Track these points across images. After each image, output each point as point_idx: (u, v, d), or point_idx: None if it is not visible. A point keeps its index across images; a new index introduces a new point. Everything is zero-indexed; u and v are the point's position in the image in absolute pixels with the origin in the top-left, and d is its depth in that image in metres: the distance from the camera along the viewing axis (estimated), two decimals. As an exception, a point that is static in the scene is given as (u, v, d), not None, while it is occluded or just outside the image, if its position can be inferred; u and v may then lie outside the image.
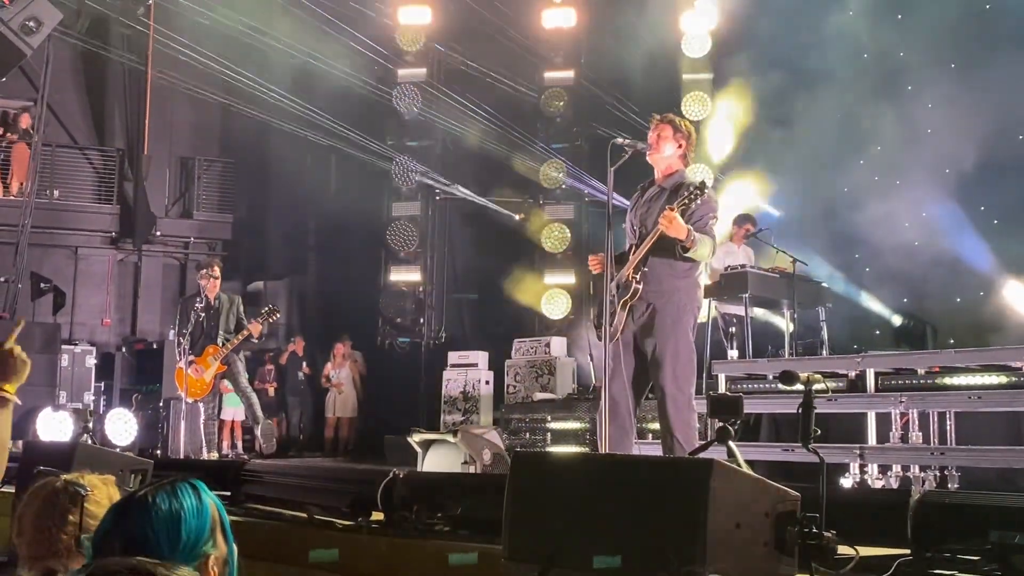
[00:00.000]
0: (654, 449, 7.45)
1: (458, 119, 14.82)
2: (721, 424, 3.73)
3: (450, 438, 6.99)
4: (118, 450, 10.86)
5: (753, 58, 11.87)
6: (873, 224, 11.06)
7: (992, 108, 10.24)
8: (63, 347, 14.10)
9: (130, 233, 17.30)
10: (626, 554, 2.96)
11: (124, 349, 15.78)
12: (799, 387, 3.39)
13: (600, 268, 5.67)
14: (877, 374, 6.97)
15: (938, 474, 6.42)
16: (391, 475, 5.36)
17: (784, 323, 9.64)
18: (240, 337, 9.82)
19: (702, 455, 3.73)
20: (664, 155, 5.82)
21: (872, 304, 11.18)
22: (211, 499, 2.20)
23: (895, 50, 11.44)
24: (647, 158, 5.88)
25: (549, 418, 9.76)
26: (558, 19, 13.87)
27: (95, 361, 14.35)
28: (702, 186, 5.52)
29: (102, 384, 14.62)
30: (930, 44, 10.92)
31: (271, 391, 15.34)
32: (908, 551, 3.43)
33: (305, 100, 16.18)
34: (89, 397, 13.89)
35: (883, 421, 6.80)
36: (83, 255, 17.32)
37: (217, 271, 10.25)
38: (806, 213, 11.67)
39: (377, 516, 5.48)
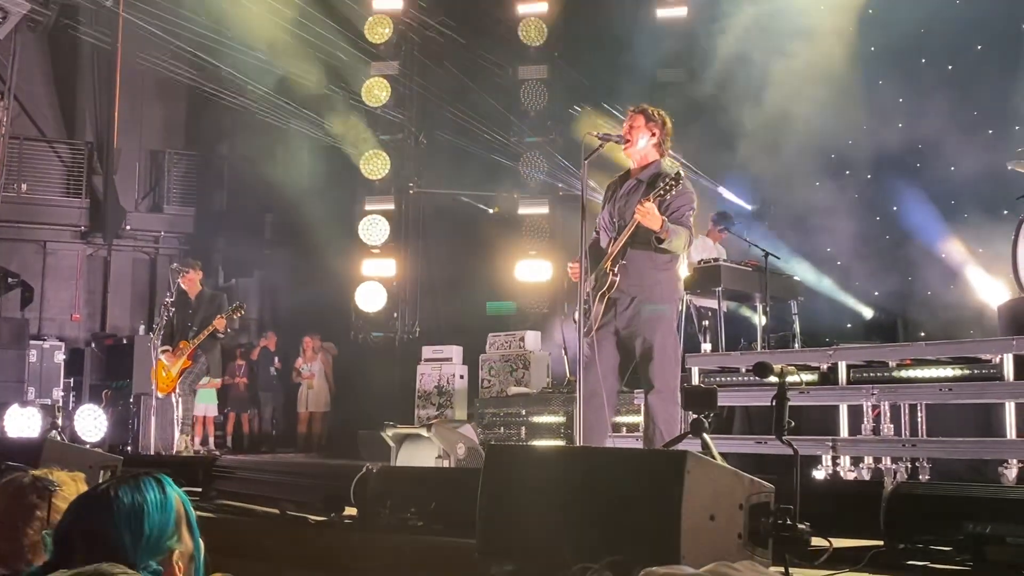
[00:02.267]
0: (628, 443, 7.46)
1: (431, 112, 14.77)
2: (695, 416, 3.74)
3: (424, 433, 6.96)
4: (88, 446, 10.76)
5: (724, 51, 11.89)
6: (844, 218, 11.11)
7: (960, 103, 10.32)
8: (31, 342, 13.97)
9: (100, 227, 17.11)
10: (600, 546, 2.95)
11: (94, 344, 15.62)
12: (773, 379, 3.39)
13: (578, 276, 5.66)
14: (849, 367, 6.99)
15: (909, 466, 6.46)
16: (364, 470, 5.34)
17: (757, 316, 9.68)
18: (205, 333, 9.88)
19: (676, 447, 3.73)
20: (638, 147, 5.81)
21: (843, 298, 11.25)
22: (177, 493, 2.16)
23: (867, 44, 11.49)
24: (623, 152, 5.86)
25: (524, 412, 9.74)
26: (532, 11, 13.84)
27: (64, 357, 14.22)
28: (677, 177, 5.51)
29: (71, 380, 14.48)
30: (901, 38, 10.99)
31: (242, 386, 15.25)
32: (881, 542, 3.45)
33: (277, 92, 16.07)
34: (58, 393, 13.76)
35: (855, 413, 6.83)
36: (52, 249, 17.12)
37: (194, 271, 10.29)
38: (778, 207, 11.73)
39: (350, 511, 5.46)
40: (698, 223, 6.68)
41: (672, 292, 5.77)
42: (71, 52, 17.20)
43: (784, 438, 3.29)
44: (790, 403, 3.59)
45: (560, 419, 9.35)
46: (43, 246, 17.04)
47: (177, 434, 9.95)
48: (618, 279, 5.61)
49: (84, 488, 2.88)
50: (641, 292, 5.64)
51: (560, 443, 8.93)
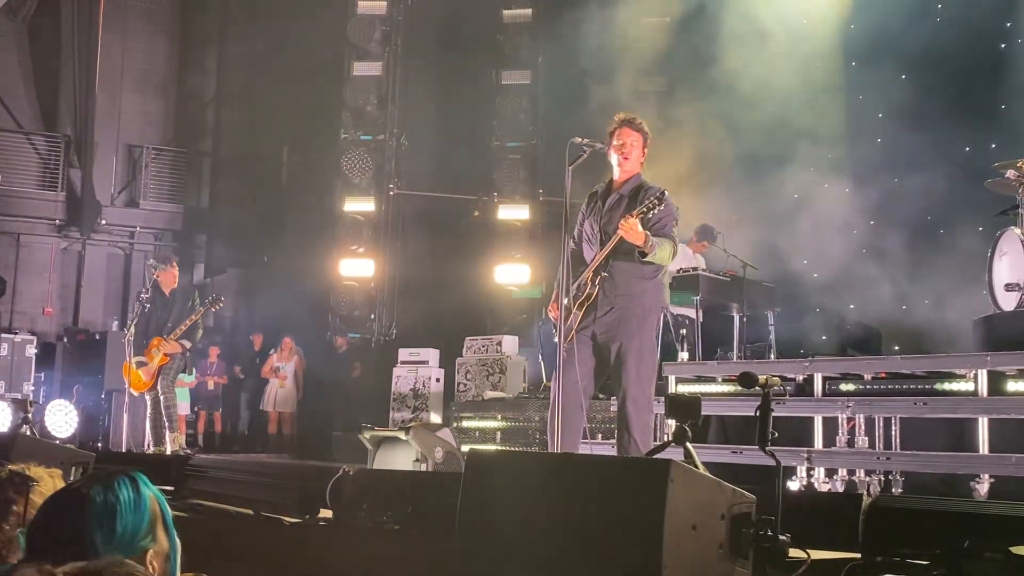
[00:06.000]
0: (602, 449, 7.46)
1: (413, 114, 14.74)
2: (678, 425, 3.74)
3: (402, 436, 6.93)
4: (58, 442, 10.66)
5: (705, 62, 11.93)
6: (822, 230, 11.17)
7: (939, 119, 10.41)
8: (2, 335, 13.81)
9: (75, 221, 16.95)
10: (581, 554, 2.95)
11: (66, 339, 15.46)
12: (757, 389, 3.40)
13: (558, 314, 5.70)
14: (824, 378, 7.05)
15: (882, 478, 6.50)
16: (341, 472, 5.31)
17: (734, 326, 9.72)
18: (183, 327, 9.79)
19: (659, 456, 3.73)
20: (633, 162, 5.87)
21: (820, 309, 11.31)
22: (152, 492, 2.14)
23: (848, 58, 11.59)
24: (617, 168, 5.88)
25: (500, 416, 9.74)
26: (516, 17, 13.86)
27: (35, 351, 14.05)
28: (661, 196, 5.55)
29: (42, 374, 14.32)
30: (882, 54, 11.08)
31: (211, 384, 15.11)
32: (859, 555, 3.46)
33: (259, 90, 16.02)
34: (28, 387, 13.60)
35: (829, 425, 6.87)
36: (25, 242, 16.94)
37: (171, 267, 10.21)
38: (755, 218, 11.77)
39: (325, 513, 5.43)
40: (680, 233, 6.70)
41: (655, 300, 5.81)
42: (51, 43, 17.04)
43: (767, 449, 3.30)
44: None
45: (536, 424, 9.35)
46: (16, 238, 16.87)
47: (167, 433, 9.85)
48: (598, 290, 5.65)
49: (61, 484, 2.85)
50: (625, 301, 5.68)
51: (535, 448, 8.92)
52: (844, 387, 7.00)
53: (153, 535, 2.10)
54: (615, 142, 5.85)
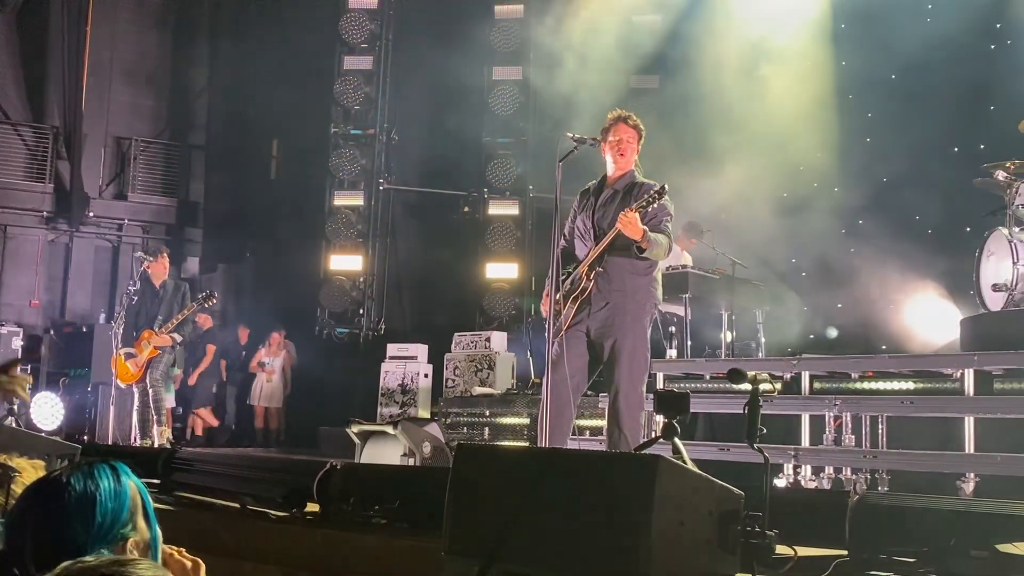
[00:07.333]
0: (588, 445, 7.47)
1: (403, 109, 14.70)
2: (667, 420, 3.74)
3: (390, 430, 6.92)
4: (44, 434, 10.59)
5: (696, 60, 11.95)
6: (810, 229, 11.20)
7: (928, 119, 10.44)
8: (-11, 327, 13.74)
9: (63, 213, 16.87)
10: (570, 549, 2.94)
11: (52, 332, 15.38)
12: (746, 385, 3.40)
13: (549, 309, 5.71)
14: (812, 377, 7.07)
15: (869, 476, 6.53)
16: (328, 466, 5.29)
17: (722, 324, 9.75)
18: (175, 320, 9.75)
19: (648, 451, 3.73)
20: (628, 159, 5.88)
21: (807, 308, 11.34)
22: (133, 481, 2.13)
23: (838, 59, 11.61)
24: (611, 162, 5.90)
25: (488, 413, 9.73)
26: (508, 12, 13.84)
27: (22, 343, 13.98)
28: (662, 190, 5.56)
29: (28, 367, 14.24)
30: (871, 54, 11.11)
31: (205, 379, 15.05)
32: (845, 552, 3.47)
33: (249, 84, 15.96)
34: (14, 380, 13.50)
35: (817, 423, 6.90)
36: (12, 234, 16.84)
37: (162, 257, 10.17)
38: (744, 216, 11.79)
39: (312, 508, 5.41)
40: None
41: (650, 297, 5.82)
42: (40, 34, 16.94)
43: (756, 445, 3.31)
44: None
45: (524, 421, 9.34)
46: (3, 230, 16.77)
47: (155, 426, 9.81)
48: (592, 284, 5.65)
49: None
50: (619, 296, 5.68)
51: (524, 445, 8.93)
52: (831, 385, 7.03)
53: (134, 524, 2.09)
54: (611, 138, 5.85)
